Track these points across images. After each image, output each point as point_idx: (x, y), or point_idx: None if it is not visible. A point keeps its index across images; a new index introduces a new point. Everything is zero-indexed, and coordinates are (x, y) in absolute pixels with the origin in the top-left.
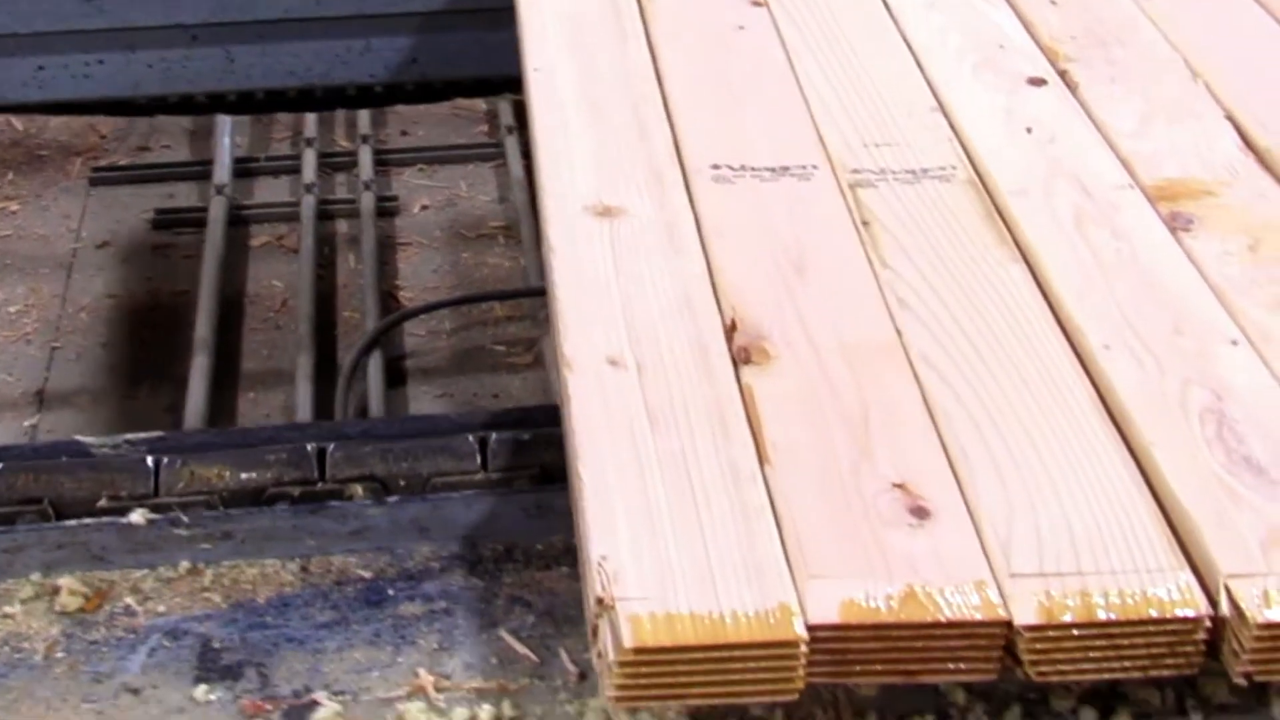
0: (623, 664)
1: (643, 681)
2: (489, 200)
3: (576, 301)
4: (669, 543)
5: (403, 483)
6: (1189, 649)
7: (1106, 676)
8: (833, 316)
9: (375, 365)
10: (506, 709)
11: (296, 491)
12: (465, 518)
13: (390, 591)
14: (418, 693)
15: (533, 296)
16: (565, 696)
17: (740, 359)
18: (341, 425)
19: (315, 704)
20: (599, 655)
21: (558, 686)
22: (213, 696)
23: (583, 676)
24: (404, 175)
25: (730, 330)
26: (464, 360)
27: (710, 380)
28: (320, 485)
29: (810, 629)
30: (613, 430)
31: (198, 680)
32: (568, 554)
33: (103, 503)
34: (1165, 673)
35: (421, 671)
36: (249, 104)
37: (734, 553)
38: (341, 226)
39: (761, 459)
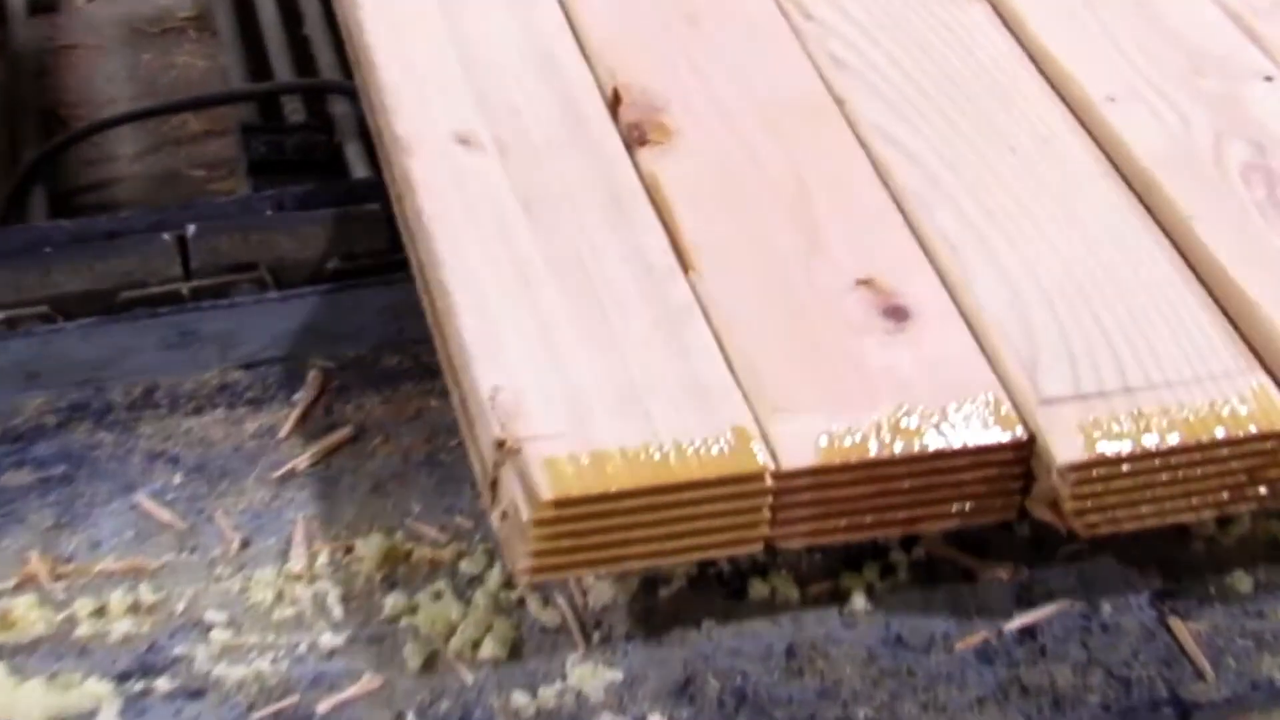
0: (540, 523)
1: (565, 544)
2: None
3: (401, 65)
4: (578, 362)
5: None
6: (1276, 474)
7: (1171, 520)
8: (745, 78)
9: (39, 204)
10: (146, 593)
11: None
12: (86, 353)
13: None
14: (28, 583)
15: (237, 103)
16: (225, 571)
17: (633, 139)
18: None
19: None
20: (503, 517)
21: (215, 559)
22: None
23: (245, 544)
24: None
25: (614, 103)
26: (154, 190)
27: (596, 159)
28: None
29: (779, 477)
30: (479, 227)
31: None
32: (224, 392)
33: None
34: (1247, 507)
35: (33, 556)
36: None
37: (664, 370)
38: None
39: (684, 265)
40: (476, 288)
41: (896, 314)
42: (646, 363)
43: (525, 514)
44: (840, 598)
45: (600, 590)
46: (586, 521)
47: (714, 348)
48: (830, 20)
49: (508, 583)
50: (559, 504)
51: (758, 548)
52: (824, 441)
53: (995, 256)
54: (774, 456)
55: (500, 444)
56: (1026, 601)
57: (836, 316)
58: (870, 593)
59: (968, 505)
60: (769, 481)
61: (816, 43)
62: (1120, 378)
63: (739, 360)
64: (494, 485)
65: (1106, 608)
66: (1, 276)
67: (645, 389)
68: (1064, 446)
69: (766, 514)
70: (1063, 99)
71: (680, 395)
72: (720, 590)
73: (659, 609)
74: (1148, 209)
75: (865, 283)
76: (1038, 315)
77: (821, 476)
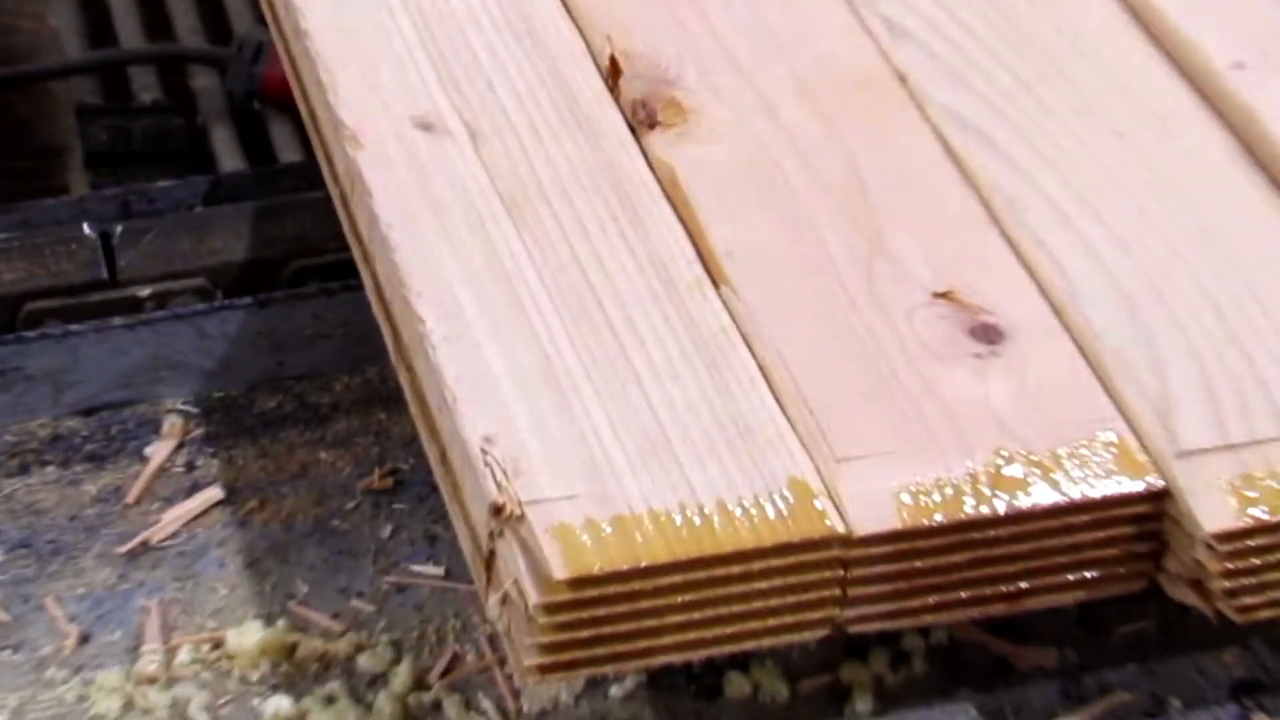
0: (552, 608)
1: (584, 635)
2: None
3: (341, 32)
4: (590, 403)
5: None
6: None
7: None
8: (776, 43)
9: None
10: None
11: None
12: None
13: None
14: None
15: (71, 78)
16: (58, 674)
17: (640, 121)
18: None
19: None
20: (502, 601)
21: (45, 658)
22: None
23: (84, 639)
24: None
25: (613, 75)
26: None
27: (594, 147)
28: None
29: (851, 543)
30: (452, 234)
31: None
32: (56, 445)
33: None
34: None
35: None
36: None
37: (698, 410)
38: None
39: (714, 278)
40: (454, 311)
41: (987, 334)
42: (675, 401)
43: (532, 598)
44: (840, 696)
45: (537, 691)
46: (610, 606)
47: (759, 380)
48: None
49: (419, 682)
50: (575, 584)
51: (823, 632)
52: (906, 498)
53: (1104, 264)
54: (843, 518)
55: (497, 510)
56: (1076, 697)
57: (910, 337)
58: (879, 689)
59: (1088, 574)
60: (837, 550)
61: (866, 5)
62: (1277, 423)
63: (791, 396)
64: (489, 562)
65: (1176, 703)
66: None
67: (676, 435)
68: (1211, 509)
69: (835, 590)
70: (1178, 68)
71: (720, 442)
72: (689, 688)
73: (612, 714)
74: None
75: (943, 295)
76: (1165, 339)
77: (904, 543)
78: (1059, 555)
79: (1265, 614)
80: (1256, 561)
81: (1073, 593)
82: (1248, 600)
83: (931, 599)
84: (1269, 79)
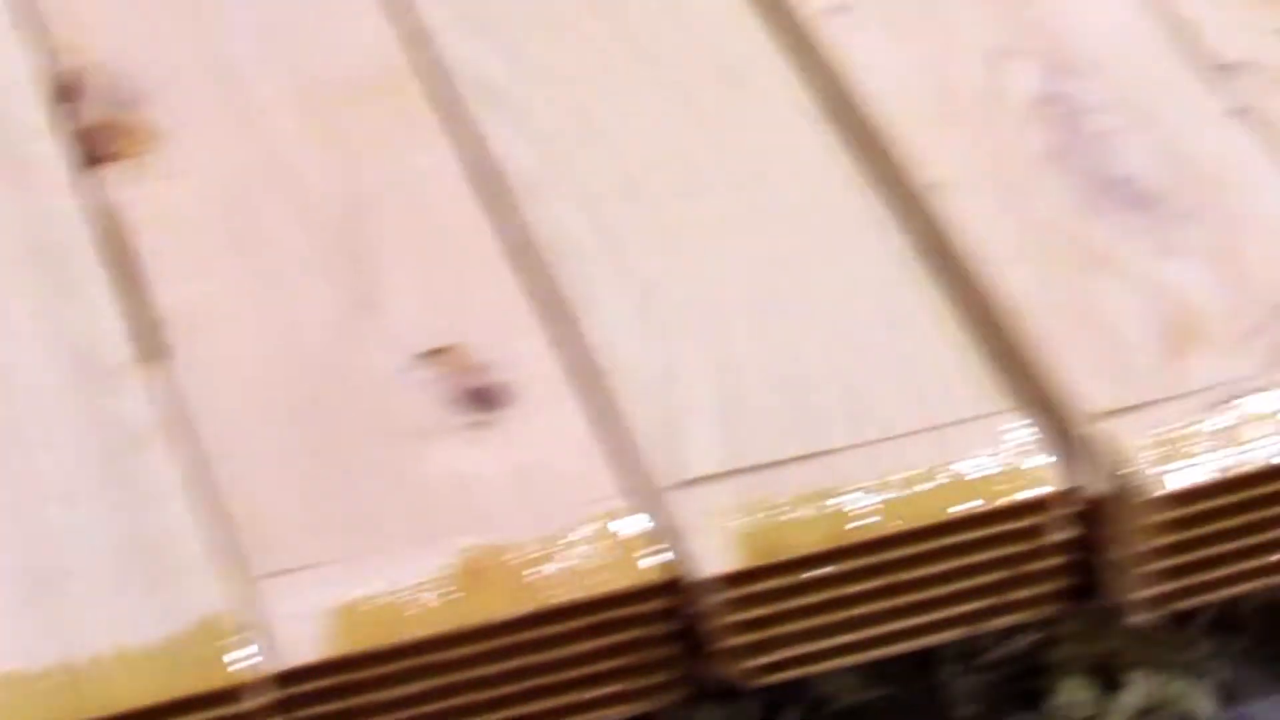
0: None
1: None
2: None
3: None
4: None
5: None
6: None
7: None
8: (280, 44)
9: None
10: None
11: None
12: None
13: None
14: None
15: None
16: None
17: (92, 152)
18: None
19: None
20: None
21: None
22: None
23: None
24: None
25: (63, 96)
26: None
27: (21, 190)
28: None
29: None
30: None
31: None
32: None
33: None
34: None
35: None
36: None
37: (97, 533)
38: None
39: (150, 356)
40: None
41: (482, 399)
42: (71, 526)
43: None
44: None
45: None
46: None
47: (178, 491)
48: None
49: None
50: None
51: None
52: (343, 620)
53: (645, 289)
54: (267, 652)
55: None
56: None
57: (389, 411)
58: None
59: (630, 688)
60: (249, 700)
61: None
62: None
63: (215, 505)
64: None
65: None
66: None
67: (69, 567)
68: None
69: None
70: (763, 12)
71: (121, 574)
72: None
73: None
74: (881, 177)
75: (439, 353)
76: (700, 380)
77: (339, 675)
78: (598, 677)
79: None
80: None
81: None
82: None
83: None
84: (867, 22)
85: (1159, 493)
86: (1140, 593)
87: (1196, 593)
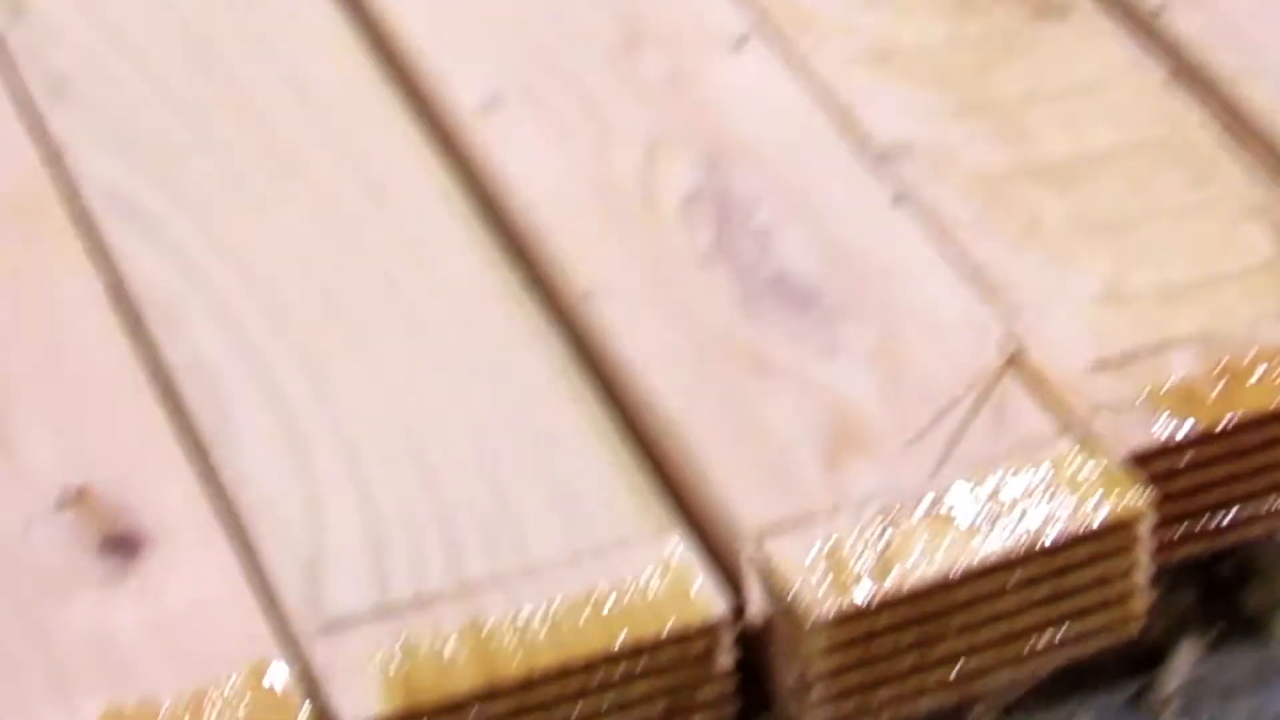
0: None
1: None
2: None
3: None
4: None
5: None
6: None
7: None
8: None
9: None
10: None
11: None
12: None
13: None
14: None
15: None
16: None
17: None
18: None
19: None
20: None
21: None
22: None
23: None
24: None
25: None
26: None
27: None
28: None
29: None
30: None
31: None
32: None
33: None
34: None
35: None
36: None
37: None
38: None
39: None
40: None
41: (123, 545)
42: None
43: None
44: None
45: None
46: None
47: None
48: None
49: None
50: None
51: None
52: None
53: (287, 417)
54: None
55: None
56: None
57: (19, 565)
58: None
59: None
60: None
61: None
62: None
63: None
64: None
65: None
66: None
67: None
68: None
69: None
70: (415, 118)
71: None
72: None
73: None
74: (538, 287)
75: (75, 498)
76: (343, 514)
77: None
78: None
79: None
80: None
81: None
82: None
83: None
84: (516, 118)
85: (821, 614)
86: (813, 716)
87: (872, 713)
